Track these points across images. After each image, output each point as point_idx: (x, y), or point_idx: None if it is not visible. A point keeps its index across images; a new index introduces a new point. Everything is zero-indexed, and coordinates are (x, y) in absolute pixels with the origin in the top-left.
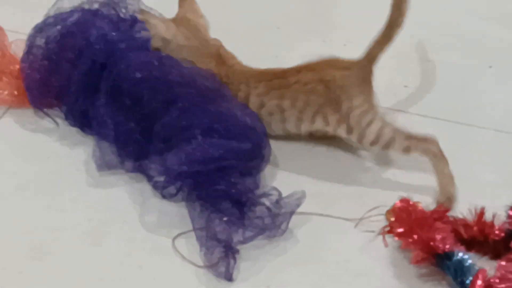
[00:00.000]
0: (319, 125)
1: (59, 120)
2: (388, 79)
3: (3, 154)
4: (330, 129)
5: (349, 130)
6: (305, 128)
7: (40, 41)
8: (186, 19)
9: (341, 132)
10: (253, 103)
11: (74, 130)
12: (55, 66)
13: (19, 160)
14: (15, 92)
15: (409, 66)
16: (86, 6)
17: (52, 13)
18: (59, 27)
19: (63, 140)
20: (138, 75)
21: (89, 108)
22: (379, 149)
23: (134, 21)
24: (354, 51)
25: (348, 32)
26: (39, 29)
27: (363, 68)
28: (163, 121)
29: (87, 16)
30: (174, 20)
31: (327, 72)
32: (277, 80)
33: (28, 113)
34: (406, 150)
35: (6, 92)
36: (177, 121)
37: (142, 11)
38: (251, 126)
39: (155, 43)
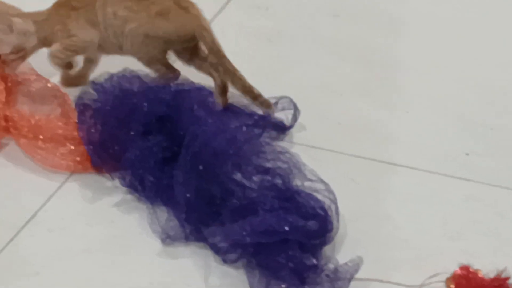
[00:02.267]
0: None
1: (120, 183)
2: (448, 145)
3: (67, 218)
4: None
5: None
6: None
7: (94, 104)
8: None
9: None
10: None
11: (135, 194)
12: (113, 130)
13: (83, 223)
14: (78, 158)
15: (470, 132)
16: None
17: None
18: (113, 89)
19: (124, 204)
20: (216, 146)
21: (148, 173)
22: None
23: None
24: (416, 119)
25: (410, 100)
26: (91, 91)
27: None
28: (232, 192)
29: (141, 78)
30: None
31: None
32: None
33: (91, 178)
34: None
35: (69, 158)
36: (246, 194)
37: None
38: (321, 206)
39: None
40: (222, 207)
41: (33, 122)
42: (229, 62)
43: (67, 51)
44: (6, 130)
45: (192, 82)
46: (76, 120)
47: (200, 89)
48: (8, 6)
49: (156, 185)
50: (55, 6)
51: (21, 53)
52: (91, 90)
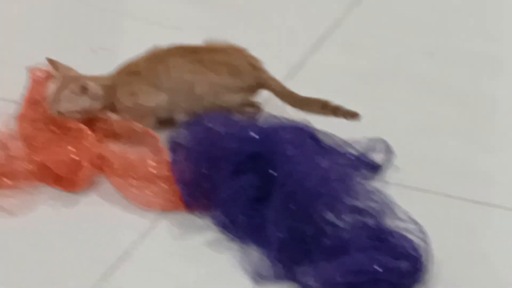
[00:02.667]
0: None
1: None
2: None
3: (159, 256)
4: None
5: None
6: None
7: (187, 143)
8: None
9: None
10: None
11: (226, 233)
12: (205, 169)
13: (175, 262)
14: (170, 197)
15: None
16: None
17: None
18: (205, 128)
19: (216, 243)
20: (308, 186)
21: (239, 212)
22: None
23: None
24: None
25: (506, 140)
26: (182, 130)
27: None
28: (324, 231)
29: (233, 117)
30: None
31: None
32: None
33: (183, 216)
34: None
35: (162, 196)
36: (338, 233)
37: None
38: (413, 246)
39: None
40: (314, 246)
41: (126, 161)
42: (298, 95)
43: (135, 116)
44: (100, 168)
45: (284, 120)
46: (169, 159)
47: (292, 127)
48: (68, 68)
49: (248, 224)
50: (118, 72)
51: (84, 114)
52: (183, 130)
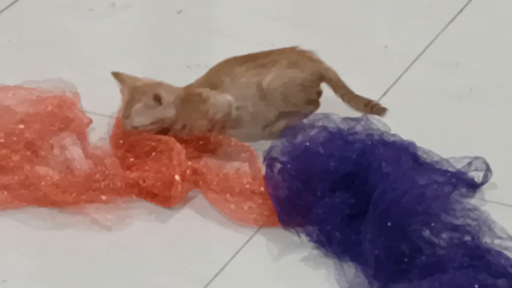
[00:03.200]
0: None
1: (307, 239)
2: None
3: (255, 273)
4: None
5: None
6: None
7: (282, 159)
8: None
9: None
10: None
11: (322, 250)
12: (300, 186)
13: (270, 278)
14: (265, 213)
15: None
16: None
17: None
18: (301, 145)
19: (311, 259)
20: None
21: (335, 229)
22: None
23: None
24: None
25: None
26: (278, 145)
27: None
28: (420, 249)
29: (333, 136)
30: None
31: None
32: None
33: (278, 232)
34: None
35: (257, 212)
36: (435, 251)
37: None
38: (511, 264)
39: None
40: (411, 264)
41: (221, 175)
42: (351, 90)
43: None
44: (195, 183)
45: (380, 137)
46: (264, 175)
47: (389, 144)
48: (134, 78)
49: (344, 241)
50: (186, 87)
51: (158, 125)
52: (279, 146)
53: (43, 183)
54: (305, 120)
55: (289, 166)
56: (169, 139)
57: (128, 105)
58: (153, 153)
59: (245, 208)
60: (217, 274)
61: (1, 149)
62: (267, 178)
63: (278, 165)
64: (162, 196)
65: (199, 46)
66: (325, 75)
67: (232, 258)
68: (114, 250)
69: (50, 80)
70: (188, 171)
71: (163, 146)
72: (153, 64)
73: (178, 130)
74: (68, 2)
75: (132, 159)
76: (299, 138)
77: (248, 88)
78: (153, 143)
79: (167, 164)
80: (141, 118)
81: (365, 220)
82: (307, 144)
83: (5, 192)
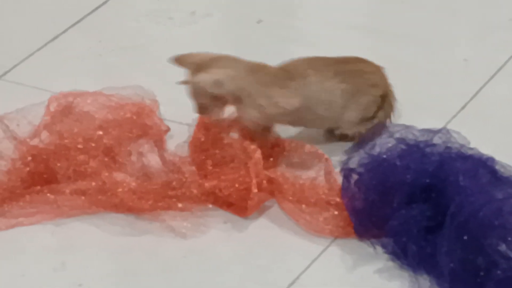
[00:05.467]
0: None
1: (382, 250)
2: None
3: (330, 283)
4: None
5: None
6: None
7: (359, 170)
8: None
9: None
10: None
11: (397, 262)
12: (376, 197)
13: None
14: (341, 224)
15: None
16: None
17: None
18: (378, 156)
19: (386, 271)
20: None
21: (411, 241)
22: None
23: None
24: None
25: None
26: (354, 156)
27: None
28: (497, 263)
29: (410, 148)
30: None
31: None
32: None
33: (354, 243)
34: None
35: (333, 223)
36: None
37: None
38: None
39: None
40: (486, 278)
41: (297, 186)
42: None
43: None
44: (271, 193)
45: (458, 150)
46: (340, 185)
47: (466, 158)
48: (192, 55)
49: (419, 253)
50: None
51: (219, 101)
52: (356, 157)
53: (120, 189)
54: (383, 131)
55: (366, 177)
56: (248, 147)
57: (189, 86)
58: (228, 162)
59: (321, 219)
60: (292, 283)
61: (79, 155)
62: (344, 189)
63: (354, 176)
64: (238, 205)
65: (278, 56)
66: (388, 98)
67: (307, 267)
68: (190, 257)
69: (129, 87)
70: (264, 181)
71: (243, 155)
72: None
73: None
74: (148, 10)
75: (210, 167)
76: (377, 149)
77: (319, 93)
78: (232, 151)
79: (244, 174)
80: (200, 98)
81: (441, 233)
82: (385, 156)
83: (83, 198)
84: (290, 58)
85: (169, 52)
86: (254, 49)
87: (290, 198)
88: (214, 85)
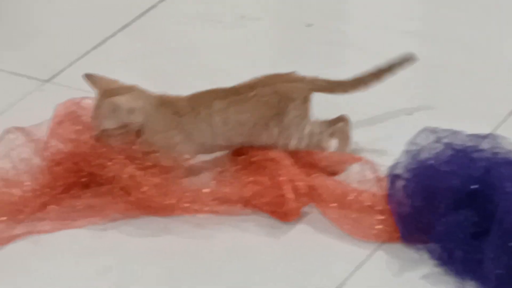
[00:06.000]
0: (263, 137)
1: (428, 256)
2: None
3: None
4: (269, 140)
5: (288, 137)
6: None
7: (406, 175)
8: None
9: (280, 140)
10: (216, 121)
11: (443, 268)
12: (422, 202)
13: None
14: (387, 229)
15: None
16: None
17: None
18: (424, 161)
19: (432, 277)
20: None
21: (457, 247)
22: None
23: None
24: None
25: None
26: (400, 162)
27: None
28: None
29: (457, 153)
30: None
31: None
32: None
33: (399, 248)
34: (331, 135)
35: (378, 228)
36: None
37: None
38: None
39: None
40: None
41: (339, 191)
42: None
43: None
44: (312, 198)
45: (505, 156)
46: (386, 192)
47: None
48: (110, 81)
49: (465, 259)
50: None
51: (124, 129)
52: (403, 162)
53: (145, 188)
54: (431, 137)
55: (412, 182)
56: (277, 155)
57: (97, 108)
58: (265, 169)
59: (366, 224)
60: None
61: (97, 159)
62: (390, 194)
63: (401, 182)
64: (278, 212)
65: (328, 60)
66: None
67: (352, 273)
68: (233, 262)
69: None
70: (302, 187)
71: (274, 163)
72: None
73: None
74: (197, 13)
75: (246, 180)
76: (424, 155)
77: (225, 127)
78: (265, 160)
79: (279, 181)
80: (107, 122)
81: (488, 238)
82: (432, 161)
83: (120, 202)
84: (339, 62)
85: (218, 55)
86: (303, 53)
87: (333, 204)
88: (129, 111)
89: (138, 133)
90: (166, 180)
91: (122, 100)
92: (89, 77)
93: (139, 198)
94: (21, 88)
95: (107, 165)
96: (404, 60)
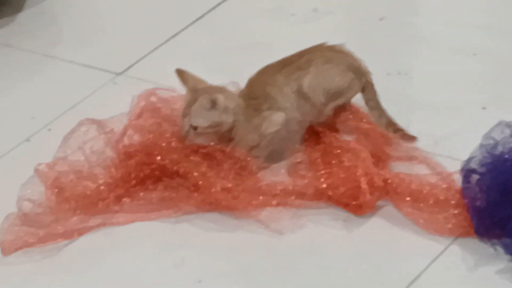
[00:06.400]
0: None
1: (503, 251)
2: None
3: (450, 283)
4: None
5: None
6: None
7: (480, 169)
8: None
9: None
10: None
11: None
12: (498, 196)
13: None
14: (462, 223)
15: None
16: None
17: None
18: (500, 156)
19: (508, 272)
20: None
21: None
22: None
23: None
24: None
25: None
26: (474, 157)
27: None
28: None
29: None
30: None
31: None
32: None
33: (474, 243)
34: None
35: (452, 223)
36: None
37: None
38: None
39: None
40: None
41: (414, 186)
42: (377, 96)
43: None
44: (387, 192)
45: None
46: (460, 186)
47: None
48: (198, 80)
49: None
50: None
51: (216, 129)
52: (478, 156)
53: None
54: (506, 131)
55: (487, 177)
56: (356, 146)
57: (188, 105)
58: (339, 160)
59: (440, 218)
60: (411, 283)
61: (172, 154)
62: (464, 189)
63: (475, 176)
64: (352, 204)
65: (401, 54)
66: (358, 69)
67: (427, 267)
68: (308, 255)
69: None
70: (378, 181)
71: (351, 155)
72: None
73: (228, 140)
74: (269, 6)
75: (322, 171)
76: (499, 149)
77: (291, 95)
78: (342, 151)
79: (355, 173)
80: (200, 119)
81: None
82: (507, 155)
83: (195, 195)
84: (412, 56)
85: (290, 49)
86: (376, 46)
87: (407, 198)
88: (224, 110)
89: (225, 134)
90: (239, 179)
91: (221, 98)
92: (180, 73)
93: (210, 197)
94: (94, 81)
95: (180, 161)
96: (405, 137)
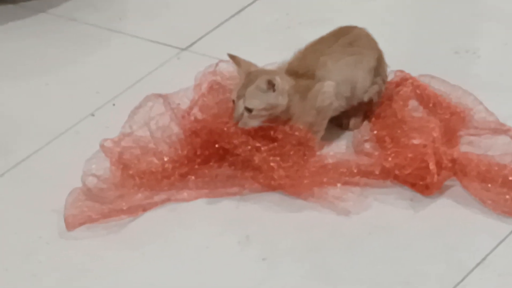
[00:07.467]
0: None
1: None
2: None
3: None
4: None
5: None
6: None
7: None
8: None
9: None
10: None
11: None
12: None
13: None
14: None
15: None
16: None
17: None
18: None
19: None
20: None
21: None
22: None
23: None
24: None
25: None
26: None
27: None
28: None
29: None
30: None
31: None
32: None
33: None
34: None
35: None
36: None
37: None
38: None
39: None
40: None
41: (482, 166)
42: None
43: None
44: (454, 172)
45: None
46: None
47: None
48: (250, 63)
49: None
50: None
51: (270, 111)
52: None
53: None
54: None
55: None
56: (427, 124)
57: (243, 87)
58: (412, 140)
59: (508, 199)
60: (479, 263)
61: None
62: None
63: None
64: (420, 184)
65: (469, 31)
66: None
67: (494, 248)
68: (375, 234)
69: None
70: (445, 161)
71: (419, 132)
72: (419, 47)
73: (283, 121)
74: None
75: (390, 145)
76: None
77: (347, 69)
78: (410, 129)
79: (424, 152)
80: (255, 101)
81: None
82: None
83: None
84: (481, 34)
85: (357, 23)
86: (443, 24)
87: (475, 178)
88: (281, 92)
89: (278, 116)
90: (303, 160)
91: (278, 80)
92: (233, 58)
93: (274, 182)
94: (159, 56)
95: (240, 146)
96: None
